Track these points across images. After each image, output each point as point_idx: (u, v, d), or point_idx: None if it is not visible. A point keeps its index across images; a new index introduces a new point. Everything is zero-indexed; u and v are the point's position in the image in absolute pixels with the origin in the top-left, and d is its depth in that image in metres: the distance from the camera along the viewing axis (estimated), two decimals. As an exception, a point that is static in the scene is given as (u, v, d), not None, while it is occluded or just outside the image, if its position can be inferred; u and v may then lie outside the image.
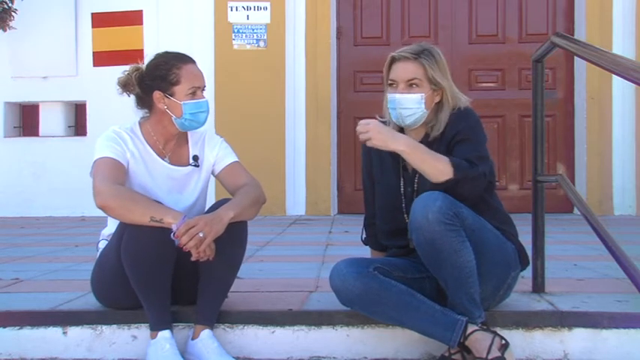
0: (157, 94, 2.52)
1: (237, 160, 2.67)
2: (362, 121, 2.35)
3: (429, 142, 2.47)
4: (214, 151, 2.65)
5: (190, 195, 2.61)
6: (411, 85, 2.45)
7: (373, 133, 2.32)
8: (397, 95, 2.45)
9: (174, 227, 2.29)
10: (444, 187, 2.29)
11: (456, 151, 2.39)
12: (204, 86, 2.56)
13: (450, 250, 2.24)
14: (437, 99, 2.47)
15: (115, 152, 2.48)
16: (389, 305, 2.32)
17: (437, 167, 2.30)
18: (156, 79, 2.51)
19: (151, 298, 2.40)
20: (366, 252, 2.75)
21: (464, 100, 2.50)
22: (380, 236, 2.63)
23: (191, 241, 2.28)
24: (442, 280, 2.31)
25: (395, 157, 2.53)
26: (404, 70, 2.46)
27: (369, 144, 2.35)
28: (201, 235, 2.29)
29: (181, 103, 2.50)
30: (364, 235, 2.71)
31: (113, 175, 2.42)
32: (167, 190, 2.55)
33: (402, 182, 2.52)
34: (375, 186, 2.62)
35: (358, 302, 2.34)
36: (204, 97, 2.55)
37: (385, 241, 2.62)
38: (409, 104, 2.45)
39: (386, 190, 2.56)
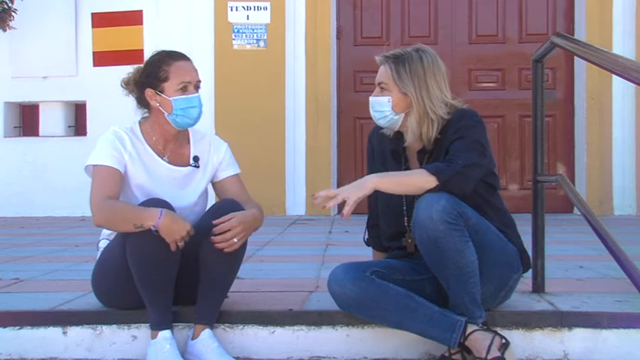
0: (148, 92, 2.53)
1: (239, 171, 2.70)
2: (321, 194, 2.29)
3: (429, 149, 2.45)
4: (219, 155, 2.66)
5: (192, 195, 2.61)
6: (381, 88, 2.47)
7: (344, 193, 2.27)
8: (370, 98, 2.50)
9: (152, 229, 2.32)
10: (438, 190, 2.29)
11: (450, 150, 2.37)
12: (198, 81, 2.55)
13: (453, 250, 2.24)
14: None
15: (111, 158, 2.48)
16: (387, 309, 2.32)
17: (415, 182, 2.31)
18: (148, 77, 2.53)
19: (154, 298, 2.40)
20: (365, 252, 2.75)
21: (456, 105, 2.45)
22: (382, 238, 2.63)
23: (223, 242, 2.38)
24: (444, 279, 2.31)
25: (398, 160, 2.53)
26: (378, 73, 2.50)
27: (349, 202, 2.24)
28: (235, 240, 2.39)
29: (170, 99, 2.50)
30: (366, 236, 2.71)
31: (107, 186, 2.44)
32: (168, 189, 2.55)
33: None
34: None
35: (356, 307, 2.35)
36: (196, 93, 2.54)
37: (387, 242, 2.61)
38: (377, 107, 2.47)
39: (388, 193, 2.55)
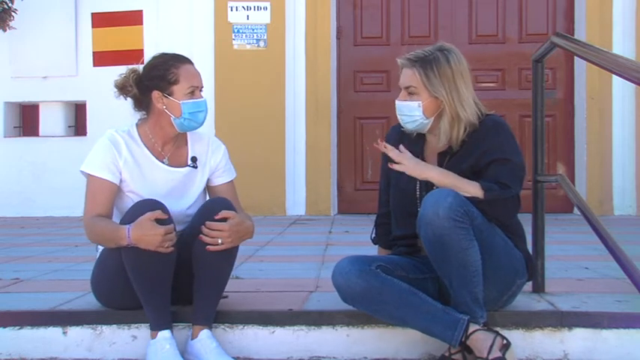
0: (155, 94, 2.52)
1: (235, 175, 2.71)
2: (392, 149, 2.40)
3: (452, 152, 2.44)
4: (217, 157, 2.66)
5: (191, 196, 2.60)
6: (410, 93, 2.44)
7: (408, 162, 2.37)
8: (397, 102, 2.48)
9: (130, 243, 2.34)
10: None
11: (491, 171, 2.38)
12: (202, 87, 2.57)
13: (457, 247, 2.24)
14: (442, 106, 2.43)
15: (105, 170, 2.49)
16: (391, 303, 2.32)
17: (467, 190, 2.32)
18: (154, 79, 2.52)
19: (150, 298, 2.40)
20: (366, 252, 2.74)
21: (481, 111, 2.45)
22: (392, 236, 2.62)
23: (208, 238, 2.40)
24: (446, 277, 2.31)
25: None
26: (404, 76, 2.47)
27: (401, 168, 2.37)
28: (219, 241, 2.39)
29: (180, 102, 2.50)
30: (374, 235, 2.71)
31: (97, 203, 2.49)
32: (167, 191, 2.54)
33: (417, 186, 2.50)
34: (391, 188, 2.61)
35: (360, 300, 2.34)
36: (202, 97, 2.55)
37: (394, 240, 2.61)
38: (407, 111, 2.45)
39: (401, 194, 2.55)
